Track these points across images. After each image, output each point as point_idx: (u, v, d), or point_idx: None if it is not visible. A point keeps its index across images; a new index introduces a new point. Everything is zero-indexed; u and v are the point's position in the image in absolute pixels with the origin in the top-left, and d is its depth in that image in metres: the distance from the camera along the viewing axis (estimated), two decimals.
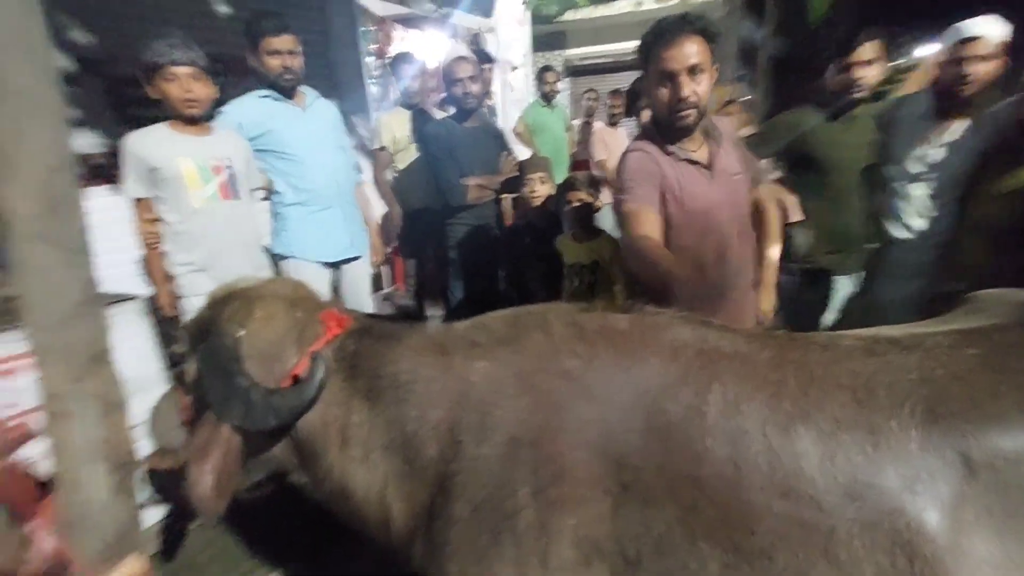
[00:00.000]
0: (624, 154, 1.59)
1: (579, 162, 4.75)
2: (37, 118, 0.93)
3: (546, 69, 4.10)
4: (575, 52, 9.66)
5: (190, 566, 2.01)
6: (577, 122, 4.86)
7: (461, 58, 2.47)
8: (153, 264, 1.94)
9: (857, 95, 2.06)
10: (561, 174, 4.07)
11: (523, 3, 5.38)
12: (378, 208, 2.92)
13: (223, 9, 3.58)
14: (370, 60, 4.85)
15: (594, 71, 9.70)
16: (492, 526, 0.84)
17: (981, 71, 1.84)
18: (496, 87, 6.34)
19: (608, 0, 8.84)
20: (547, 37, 9.56)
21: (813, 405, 0.73)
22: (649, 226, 1.45)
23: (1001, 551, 0.62)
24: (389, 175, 2.84)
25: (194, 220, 1.87)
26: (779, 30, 5.09)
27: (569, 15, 9.01)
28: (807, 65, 2.26)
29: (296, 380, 0.94)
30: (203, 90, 1.87)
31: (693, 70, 1.41)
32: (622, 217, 1.51)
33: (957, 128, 2.00)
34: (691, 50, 1.41)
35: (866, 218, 2.27)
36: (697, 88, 1.44)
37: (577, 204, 2.05)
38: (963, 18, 1.89)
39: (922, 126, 2.06)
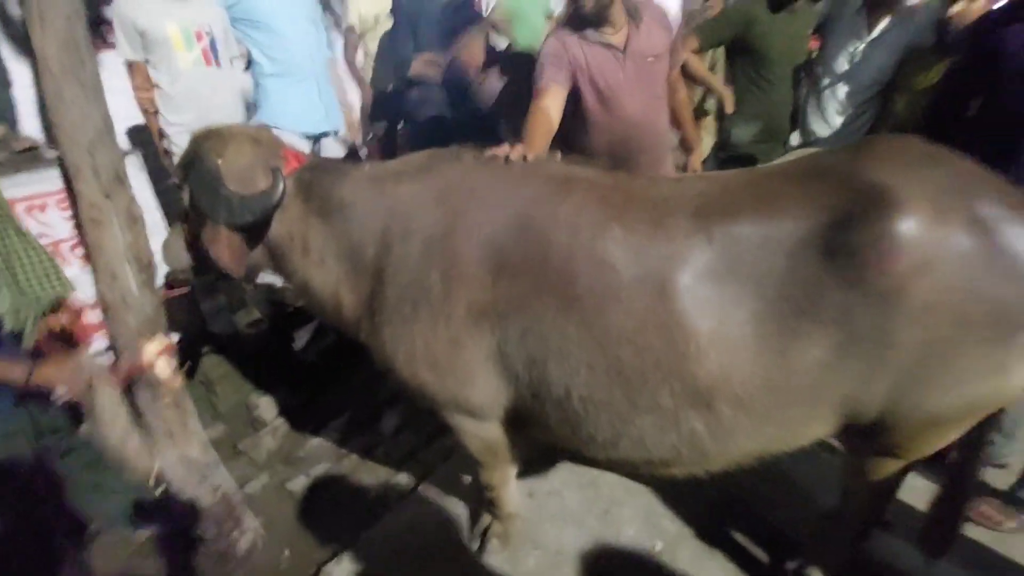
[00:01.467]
0: (547, 40, 1.81)
1: None
2: None
3: None
4: None
5: (204, 381, 2.49)
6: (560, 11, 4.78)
7: None
8: (151, 125, 2.18)
9: None
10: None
11: None
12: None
13: None
14: None
15: None
16: (413, 299, 1.21)
17: None
18: None
19: None
20: None
21: (625, 210, 1.09)
22: (549, 100, 1.70)
23: (718, 294, 1.01)
24: (360, 55, 2.95)
25: (181, 83, 2.08)
26: None
27: None
28: None
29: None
30: None
31: None
32: (535, 90, 1.74)
33: (885, 24, 2.18)
34: None
35: (793, 112, 2.51)
36: None
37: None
38: None
39: (856, 22, 2.23)
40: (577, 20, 1.74)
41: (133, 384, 1.51)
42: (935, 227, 0.91)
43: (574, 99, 1.78)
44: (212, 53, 2.13)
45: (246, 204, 1.23)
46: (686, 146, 2.30)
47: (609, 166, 1.35)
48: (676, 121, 2.16)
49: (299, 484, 2.11)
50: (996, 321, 0.92)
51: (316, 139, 2.61)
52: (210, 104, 2.14)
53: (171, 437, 1.62)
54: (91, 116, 1.25)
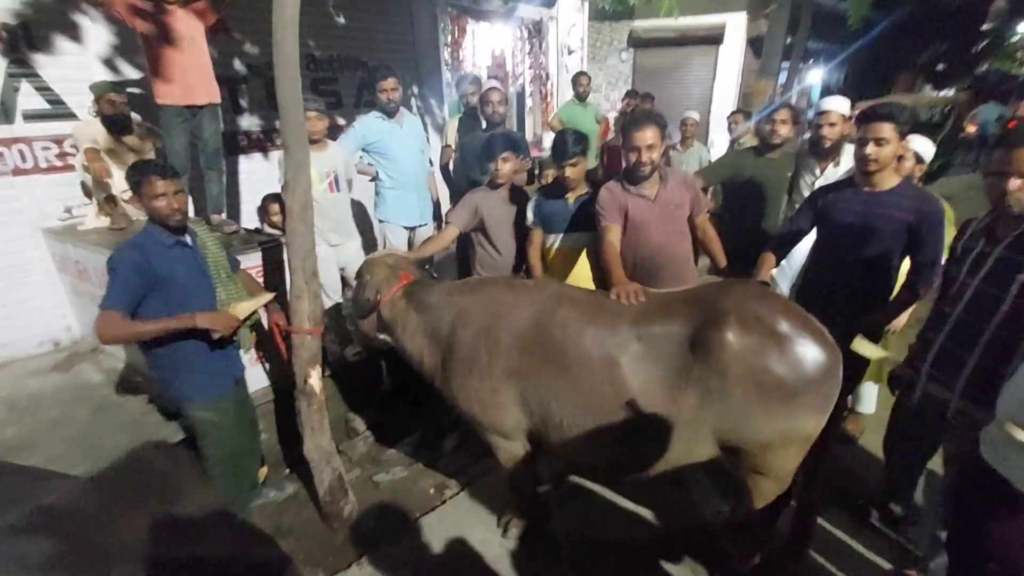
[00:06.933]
0: (600, 190, 2.60)
1: (612, 147, 5.66)
2: (301, 170, 2.17)
3: (581, 74, 5.00)
4: (640, 24, 10.01)
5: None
6: (612, 115, 5.73)
7: (493, 88, 3.54)
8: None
9: (775, 141, 2.98)
10: (591, 160, 5.05)
11: None
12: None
13: (341, 21, 4.75)
14: (446, 50, 5.88)
15: (657, 44, 10.06)
16: (469, 364, 2.03)
17: (832, 135, 2.75)
18: (552, 70, 7.19)
19: None
20: (614, 9, 9.93)
21: (595, 316, 1.87)
22: (613, 236, 2.49)
23: (643, 365, 1.76)
24: (450, 165, 4.01)
25: (314, 204, 3.14)
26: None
27: None
28: None
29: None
30: (322, 125, 3.08)
31: (650, 147, 2.41)
32: (599, 230, 2.53)
33: (828, 168, 2.90)
34: (649, 134, 2.39)
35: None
36: (651, 156, 2.42)
37: None
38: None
39: (810, 163, 2.97)
40: (622, 176, 2.56)
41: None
42: (745, 335, 1.64)
43: None
44: (335, 184, 3.19)
45: (365, 305, 2.20)
46: (717, 266, 2.84)
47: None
48: (707, 250, 2.75)
49: (382, 478, 2.95)
50: (781, 388, 1.62)
51: (413, 229, 3.62)
52: (329, 218, 3.17)
53: (312, 431, 2.52)
54: (306, 240, 2.24)
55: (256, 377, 3.09)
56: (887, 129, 2.07)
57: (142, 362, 2.69)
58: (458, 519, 2.60)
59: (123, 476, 0.90)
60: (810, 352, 1.65)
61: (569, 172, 2.58)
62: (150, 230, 2.11)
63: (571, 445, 1.92)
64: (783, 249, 2.49)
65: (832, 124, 2.81)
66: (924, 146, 2.67)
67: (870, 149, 2.11)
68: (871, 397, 2.93)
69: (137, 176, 2.04)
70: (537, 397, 1.93)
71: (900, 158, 2.64)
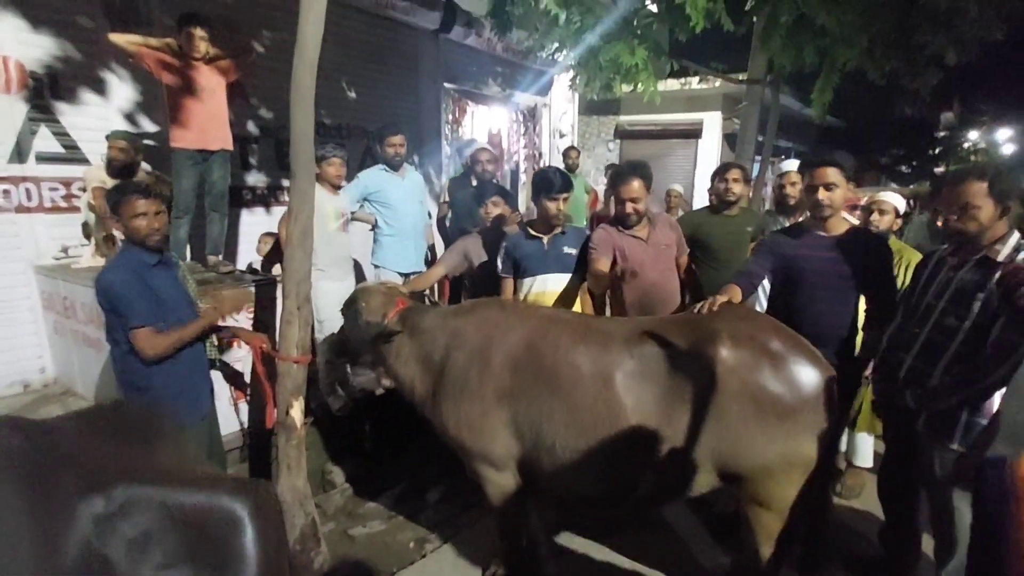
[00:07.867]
0: (595, 230, 2.74)
1: (601, 216, 5.95)
2: (305, 199, 2.25)
3: (570, 148, 5.38)
4: (625, 119, 10.95)
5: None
6: (601, 188, 6.08)
7: (483, 148, 3.81)
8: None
9: (729, 198, 3.15)
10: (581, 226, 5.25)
11: (569, 87, 6.73)
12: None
13: (352, 95, 5.15)
14: (447, 126, 6.33)
15: (641, 136, 10.94)
16: (460, 386, 2.00)
17: (795, 192, 2.99)
18: (545, 149, 7.72)
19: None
20: (602, 103, 10.89)
21: (585, 336, 1.87)
22: (600, 267, 2.55)
23: (636, 384, 1.73)
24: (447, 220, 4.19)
25: (326, 239, 3.24)
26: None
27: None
28: None
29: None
30: (344, 171, 3.28)
31: (635, 200, 2.58)
32: (590, 261, 2.61)
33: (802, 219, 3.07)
34: (635, 187, 2.57)
35: None
36: (637, 207, 2.59)
37: None
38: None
39: (780, 221, 3.16)
40: (617, 221, 2.70)
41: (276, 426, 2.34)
42: (739, 351, 1.64)
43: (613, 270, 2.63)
44: (345, 225, 3.34)
45: (366, 329, 2.17)
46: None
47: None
48: (689, 284, 2.89)
49: (358, 532, 2.74)
50: (777, 405, 1.59)
51: (408, 275, 3.69)
52: (339, 251, 3.32)
53: (288, 469, 2.38)
54: (303, 266, 2.27)
55: (230, 420, 2.97)
56: (832, 174, 2.10)
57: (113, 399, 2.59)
58: (439, 574, 2.39)
59: (104, 412, 0.91)
60: (804, 369, 1.66)
61: (563, 206, 2.66)
62: (130, 252, 2.06)
63: (563, 471, 1.84)
64: (745, 282, 2.31)
65: (793, 183, 3.12)
66: (900, 201, 2.87)
67: (822, 195, 2.13)
68: (867, 450, 2.87)
69: (117, 196, 2.01)
70: (528, 419, 1.88)
71: (881, 212, 2.83)
